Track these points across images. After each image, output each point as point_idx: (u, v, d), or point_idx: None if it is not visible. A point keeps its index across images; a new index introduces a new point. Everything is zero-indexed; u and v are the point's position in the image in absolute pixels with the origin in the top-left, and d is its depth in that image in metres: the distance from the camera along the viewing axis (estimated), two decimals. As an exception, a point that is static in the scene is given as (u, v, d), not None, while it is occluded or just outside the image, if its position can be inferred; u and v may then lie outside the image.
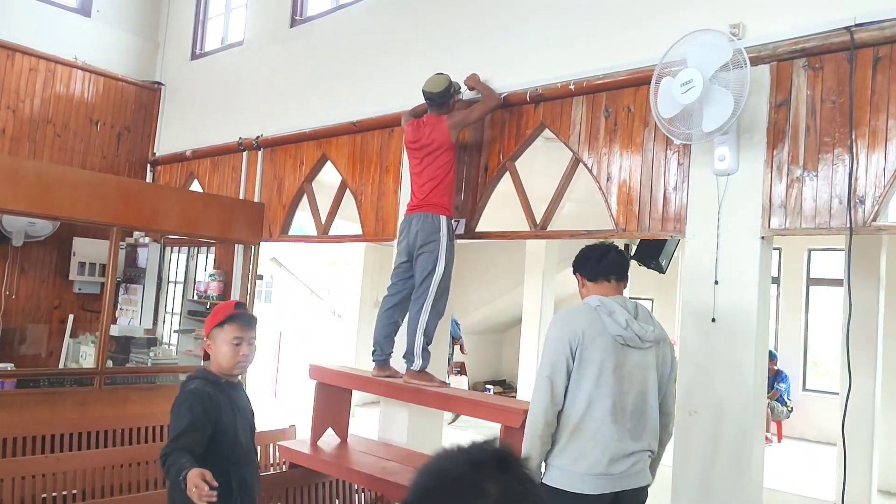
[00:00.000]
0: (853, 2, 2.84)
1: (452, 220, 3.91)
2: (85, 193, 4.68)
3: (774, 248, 7.11)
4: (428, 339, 3.75)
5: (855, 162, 2.79)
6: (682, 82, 2.92)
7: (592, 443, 2.39)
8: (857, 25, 2.78)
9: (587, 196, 4.15)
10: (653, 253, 7.80)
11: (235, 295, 5.80)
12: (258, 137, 5.72)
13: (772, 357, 8.05)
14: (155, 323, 6.61)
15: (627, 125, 3.54)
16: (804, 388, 9.12)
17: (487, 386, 10.07)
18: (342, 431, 4.18)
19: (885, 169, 2.72)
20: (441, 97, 3.92)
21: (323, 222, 5.25)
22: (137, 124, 7.02)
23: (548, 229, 3.89)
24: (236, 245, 5.82)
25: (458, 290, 6.36)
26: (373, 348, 3.99)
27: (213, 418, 2.42)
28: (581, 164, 3.73)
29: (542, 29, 3.99)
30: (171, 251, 6.90)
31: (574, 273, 2.68)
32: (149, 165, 7.04)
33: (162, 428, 4.77)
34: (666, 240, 7.40)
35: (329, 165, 5.25)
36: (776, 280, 9.00)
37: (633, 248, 8.11)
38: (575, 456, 2.40)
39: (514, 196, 4.23)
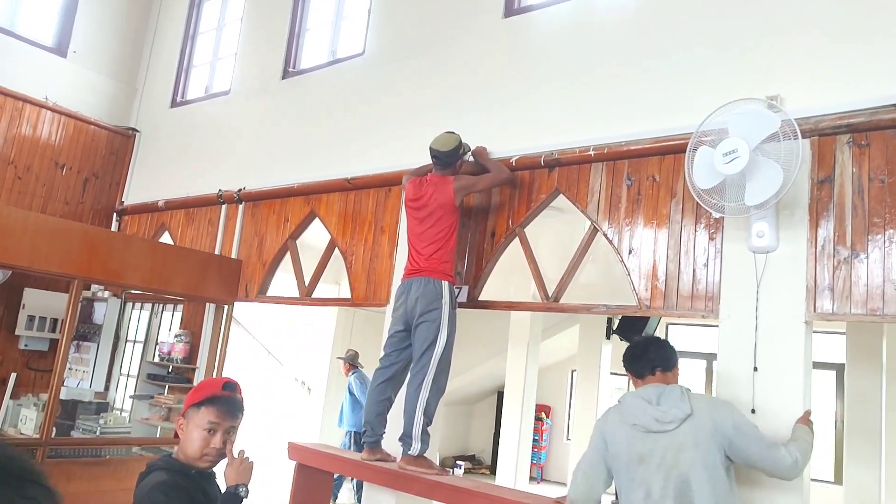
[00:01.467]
0: (902, 78, 2.72)
1: (455, 287, 3.61)
2: (46, 241, 4.24)
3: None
4: (428, 420, 3.37)
5: (910, 245, 2.61)
6: (724, 152, 2.73)
7: None
8: (907, 102, 2.66)
9: (605, 268, 3.92)
10: (636, 328, 7.64)
11: (203, 358, 5.32)
12: (240, 190, 5.38)
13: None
14: (107, 386, 6.02)
15: (652, 195, 3.33)
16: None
17: (458, 462, 9.54)
18: (321, 521, 3.71)
19: (944, 254, 2.55)
20: (449, 157, 3.69)
21: (307, 283, 4.88)
22: (107, 171, 6.61)
23: (561, 302, 3.61)
24: (208, 304, 5.38)
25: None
26: (363, 428, 3.58)
27: None
28: (600, 234, 3.50)
29: (558, 92, 3.82)
30: (132, 307, 6.38)
31: (628, 374, 2.70)
32: (115, 214, 6.60)
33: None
34: (648, 316, 7.30)
35: (316, 223, 4.93)
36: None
37: (616, 323, 7.97)
38: None
39: (514, 263, 3.98)
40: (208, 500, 2.12)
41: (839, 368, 8.05)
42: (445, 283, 3.51)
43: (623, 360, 2.70)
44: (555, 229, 4.74)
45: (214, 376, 5.11)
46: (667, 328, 9.73)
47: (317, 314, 10.23)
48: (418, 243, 3.63)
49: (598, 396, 7.79)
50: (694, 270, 3.13)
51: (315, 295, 4.98)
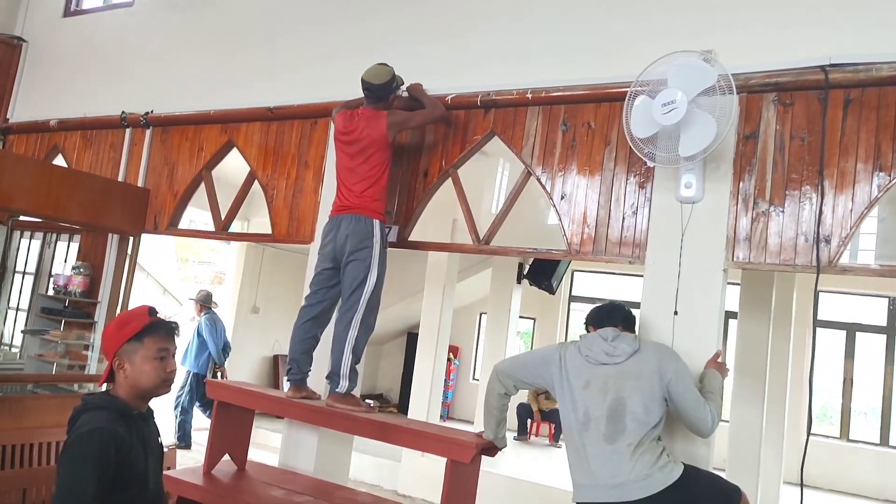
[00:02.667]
0: (828, 41, 2.86)
1: (385, 226, 3.55)
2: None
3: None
4: (357, 358, 3.35)
5: (822, 201, 2.79)
6: (663, 102, 2.78)
7: (575, 454, 2.59)
8: (831, 65, 2.80)
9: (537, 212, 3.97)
10: (546, 273, 7.88)
11: (105, 292, 5.00)
12: (147, 114, 4.99)
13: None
14: (-7, 320, 5.57)
15: (586, 142, 3.38)
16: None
17: (367, 401, 9.62)
18: (241, 458, 3.64)
19: (851, 210, 2.75)
20: (381, 90, 3.56)
21: (223, 217, 4.65)
22: (-12, 83, 5.94)
23: (492, 245, 3.63)
24: (111, 235, 5.02)
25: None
26: (288, 366, 3.51)
27: (124, 472, 1.89)
28: (533, 178, 3.52)
29: (498, 32, 3.76)
30: (21, 236, 5.86)
31: (587, 328, 2.87)
32: (-1, 133, 5.97)
33: (12, 451, 3.89)
34: (559, 261, 7.52)
35: (234, 154, 4.67)
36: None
37: (527, 268, 8.17)
38: (575, 470, 2.59)
39: (435, 203, 3.95)
40: (145, 444, 2.03)
41: (726, 315, 8.71)
42: (377, 222, 3.44)
43: (588, 316, 2.89)
44: (477, 172, 4.73)
45: (119, 311, 4.82)
46: (573, 274, 10.11)
47: (216, 253, 9.79)
48: (349, 179, 3.52)
49: (507, 338, 8.01)
50: (623, 217, 3.23)
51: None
